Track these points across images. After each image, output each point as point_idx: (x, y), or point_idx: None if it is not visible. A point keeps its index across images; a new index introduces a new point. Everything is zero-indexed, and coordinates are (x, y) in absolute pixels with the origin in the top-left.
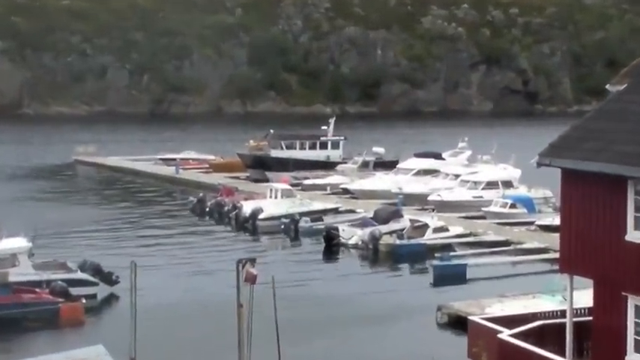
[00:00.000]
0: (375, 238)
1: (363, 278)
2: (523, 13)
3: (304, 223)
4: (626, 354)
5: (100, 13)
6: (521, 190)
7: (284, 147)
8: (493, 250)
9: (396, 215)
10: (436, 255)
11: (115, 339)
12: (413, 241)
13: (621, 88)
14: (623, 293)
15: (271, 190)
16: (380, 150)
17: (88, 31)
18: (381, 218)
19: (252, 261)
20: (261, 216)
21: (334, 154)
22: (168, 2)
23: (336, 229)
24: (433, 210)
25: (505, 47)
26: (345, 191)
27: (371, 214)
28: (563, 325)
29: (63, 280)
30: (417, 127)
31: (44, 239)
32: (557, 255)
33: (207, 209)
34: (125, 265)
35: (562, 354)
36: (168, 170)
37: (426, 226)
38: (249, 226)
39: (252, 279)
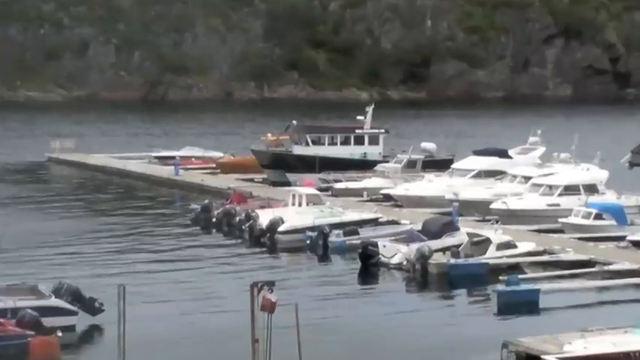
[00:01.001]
0: (423, 257)
1: (408, 307)
2: None
3: (335, 237)
4: None
5: None
6: (609, 197)
7: (309, 142)
8: (573, 272)
9: (451, 228)
10: (501, 278)
11: None
12: (471, 261)
13: None
14: None
15: (294, 195)
16: (430, 146)
17: None
18: (431, 232)
19: (271, 285)
20: (281, 228)
21: (372, 151)
22: None
23: (375, 245)
24: (497, 221)
25: (588, 16)
26: (387, 197)
27: (419, 227)
28: None
29: (33, 309)
30: (476, 117)
31: (10, 256)
32: None
33: (214, 220)
34: (111, 290)
35: None
36: (166, 171)
37: (487, 241)
38: (266, 240)
39: (270, 307)
